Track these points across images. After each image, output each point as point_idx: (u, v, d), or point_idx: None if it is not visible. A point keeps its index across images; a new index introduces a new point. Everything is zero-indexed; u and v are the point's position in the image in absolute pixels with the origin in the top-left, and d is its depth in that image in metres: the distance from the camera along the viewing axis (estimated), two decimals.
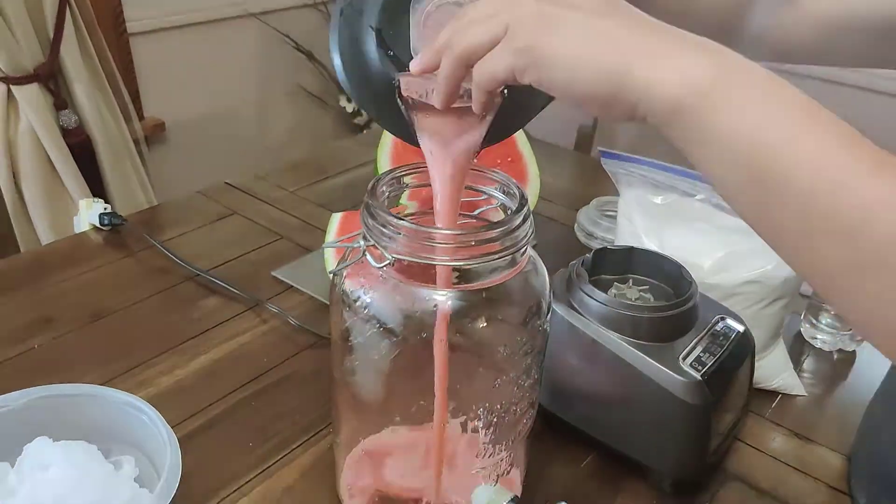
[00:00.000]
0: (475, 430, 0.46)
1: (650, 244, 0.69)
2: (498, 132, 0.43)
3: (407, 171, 0.47)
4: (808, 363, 0.76)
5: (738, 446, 0.64)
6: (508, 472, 0.51)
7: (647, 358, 0.57)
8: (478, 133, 0.41)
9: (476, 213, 0.49)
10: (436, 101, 0.39)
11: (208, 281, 0.81)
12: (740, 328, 0.61)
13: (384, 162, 0.83)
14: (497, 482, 0.50)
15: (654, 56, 0.34)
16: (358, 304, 0.44)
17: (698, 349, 0.58)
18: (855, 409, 0.65)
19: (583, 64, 0.34)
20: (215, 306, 0.78)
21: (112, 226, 0.89)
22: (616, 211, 0.87)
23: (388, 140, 0.84)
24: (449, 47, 0.38)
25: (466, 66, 0.38)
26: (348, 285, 0.45)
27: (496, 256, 0.41)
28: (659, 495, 0.59)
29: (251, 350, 0.72)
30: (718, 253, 0.67)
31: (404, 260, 0.41)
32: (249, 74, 1.94)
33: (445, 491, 0.49)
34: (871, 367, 0.75)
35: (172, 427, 0.61)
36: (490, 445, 0.48)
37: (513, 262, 0.43)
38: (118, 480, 0.49)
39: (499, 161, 0.85)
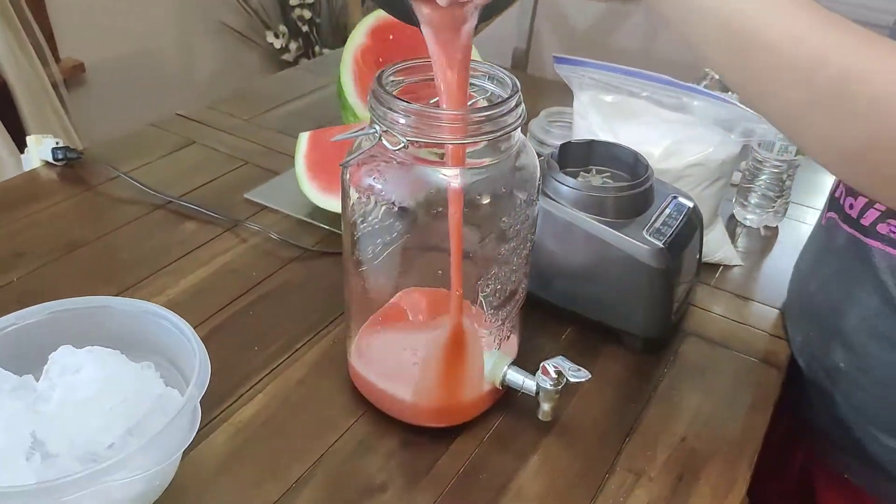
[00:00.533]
0: (482, 297, 0.52)
1: (605, 138, 0.75)
2: (490, 10, 0.47)
3: (407, 66, 0.50)
4: (741, 239, 0.85)
5: (692, 310, 0.73)
6: (508, 339, 0.57)
7: (616, 232, 0.64)
8: (474, 18, 0.45)
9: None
10: None
11: (181, 207, 0.82)
12: (690, 204, 0.69)
13: (347, 81, 0.85)
14: (499, 347, 0.56)
15: None
16: (372, 189, 0.49)
17: (657, 223, 0.66)
18: (782, 273, 0.75)
19: None
20: (193, 230, 0.79)
21: (67, 160, 0.88)
22: (563, 120, 0.94)
23: (349, 59, 0.86)
24: None
25: None
26: (361, 173, 0.49)
27: (500, 133, 0.46)
28: (632, 355, 0.67)
29: (238, 266, 0.75)
30: (665, 141, 0.74)
31: (417, 142, 0.45)
32: (170, 11, 1.88)
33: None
34: (791, 238, 0.85)
35: None
36: (494, 312, 0.53)
37: (510, 141, 0.48)
38: (148, 378, 0.53)
39: None
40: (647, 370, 0.66)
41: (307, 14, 2.09)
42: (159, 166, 0.90)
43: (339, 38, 2.17)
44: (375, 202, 0.49)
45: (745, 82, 0.41)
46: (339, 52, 1.32)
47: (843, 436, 0.64)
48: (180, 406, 0.47)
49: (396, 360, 0.56)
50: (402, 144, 0.45)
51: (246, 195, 0.85)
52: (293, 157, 0.89)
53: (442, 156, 0.47)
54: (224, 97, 1.09)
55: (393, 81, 0.49)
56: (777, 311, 0.74)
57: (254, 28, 2.08)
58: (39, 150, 0.88)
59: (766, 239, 0.86)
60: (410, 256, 0.51)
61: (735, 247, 0.83)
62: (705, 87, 0.86)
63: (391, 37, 0.90)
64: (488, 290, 0.51)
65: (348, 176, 0.51)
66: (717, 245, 0.79)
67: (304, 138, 0.83)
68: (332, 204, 0.79)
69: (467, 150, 0.47)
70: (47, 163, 0.88)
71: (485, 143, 0.46)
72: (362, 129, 0.47)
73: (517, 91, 0.47)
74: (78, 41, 1.65)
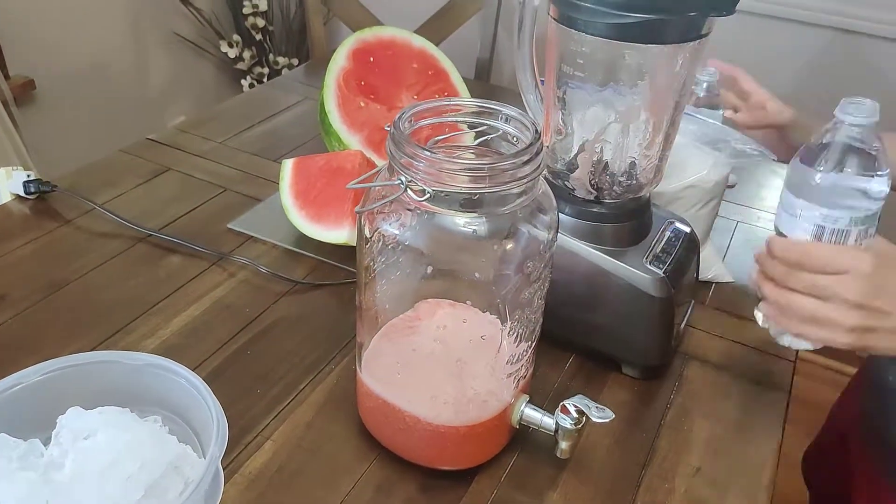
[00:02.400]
0: (505, 343, 0.51)
1: None
2: None
3: (420, 110, 0.49)
4: (727, 254, 0.87)
5: (690, 331, 0.74)
6: (525, 377, 0.57)
7: (616, 261, 0.64)
8: None
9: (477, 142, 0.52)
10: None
11: (162, 240, 0.79)
12: (686, 229, 0.70)
13: (331, 107, 0.83)
14: (517, 386, 0.55)
15: None
16: (391, 235, 0.48)
17: (657, 249, 0.66)
18: None
19: None
20: (178, 265, 0.77)
21: (40, 193, 0.84)
22: None
23: (331, 84, 0.84)
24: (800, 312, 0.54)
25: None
26: (378, 218, 0.48)
27: (526, 181, 0.45)
28: (636, 382, 0.67)
29: (230, 302, 0.72)
30: None
31: (443, 192, 0.44)
32: (122, 23, 1.81)
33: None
34: None
35: None
36: (518, 351, 0.53)
37: (533, 186, 0.48)
38: (162, 438, 0.50)
39: (437, 95, 0.88)
40: (654, 397, 0.66)
41: (260, 22, 2.05)
42: (135, 196, 0.87)
43: (293, 45, 2.13)
44: (393, 248, 0.48)
45: None
46: (301, 69, 1.29)
47: None
48: (202, 471, 0.45)
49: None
50: (428, 195, 0.44)
51: (229, 225, 0.83)
52: (274, 183, 0.88)
53: (463, 203, 0.46)
54: (194, 120, 1.05)
55: (409, 126, 0.48)
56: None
57: (207, 38, 2.03)
58: (9, 183, 0.83)
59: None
60: (431, 296, 0.50)
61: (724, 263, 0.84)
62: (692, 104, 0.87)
63: (372, 59, 0.88)
64: (512, 336, 0.51)
65: (364, 220, 0.50)
66: (709, 263, 0.80)
67: (287, 166, 0.81)
68: (323, 234, 0.77)
69: None
70: (17, 196, 0.84)
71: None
72: (386, 179, 0.46)
73: (539, 136, 0.47)
74: (26, 57, 1.57)
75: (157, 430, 0.50)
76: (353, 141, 0.83)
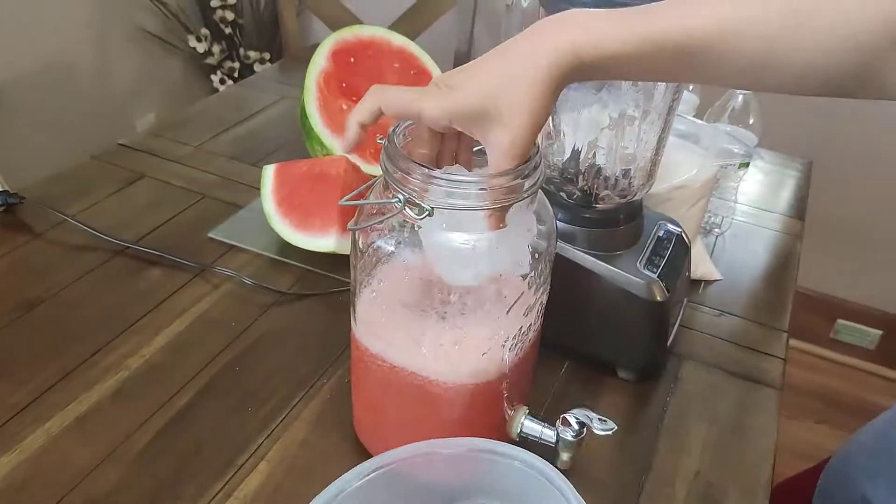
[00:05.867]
0: (506, 356, 0.50)
1: None
2: None
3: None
4: (715, 253, 0.87)
5: (682, 331, 0.73)
6: (524, 388, 0.56)
7: (609, 266, 0.63)
8: None
9: None
10: None
11: (141, 252, 0.76)
12: (677, 230, 0.69)
13: (312, 110, 0.81)
14: (518, 398, 0.55)
15: None
16: (386, 251, 0.46)
17: (649, 252, 0.66)
18: (756, 283, 0.77)
19: None
20: (159, 278, 0.74)
21: (7, 205, 0.81)
22: None
23: (311, 86, 0.82)
24: None
25: None
26: (373, 234, 0.46)
27: (525, 195, 0.44)
28: (632, 385, 0.67)
29: (214, 317, 0.70)
30: None
31: (444, 209, 0.43)
32: (86, 20, 1.75)
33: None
34: (759, 245, 0.87)
35: (160, 407, 0.60)
36: (517, 364, 0.52)
37: (532, 200, 0.47)
38: None
39: (411, 73, 0.87)
40: (650, 399, 0.66)
41: (229, 15, 2.00)
42: (109, 206, 0.84)
43: (265, 39, 2.09)
44: (388, 261, 0.47)
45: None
46: (276, 68, 1.26)
47: None
48: None
49: (411, 420, 0.54)
50: (427, 212, 0.43)
51: (210, 234, 0.80)
52: (254, 188, 0.85)
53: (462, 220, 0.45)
54: (168, 122, 1.02)
55: (403, 139, 0.47)
56: (758, 324, 0.75)
57: (174, 32, 1.98)
58: None
59: (745, 251, 0.88)
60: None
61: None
62: None
63: (352, 59, 0.86)
64: (514, 349, 0.50)
65: (357, 234, 0.48)
66: (698, 261, 0.79)
67: (269, 172, 0.79)
68: (308, 242, 0.76)
69: None
70: None
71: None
72: (380, 193, 0.45)
73: (537, 149, 0.46)
74: None
75: None
76: (336, 145, 0.81)
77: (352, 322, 0.53)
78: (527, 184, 0.44)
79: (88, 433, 0.57)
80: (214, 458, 0.56)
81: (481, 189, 0.43)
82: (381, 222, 0.45)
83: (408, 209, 0.43)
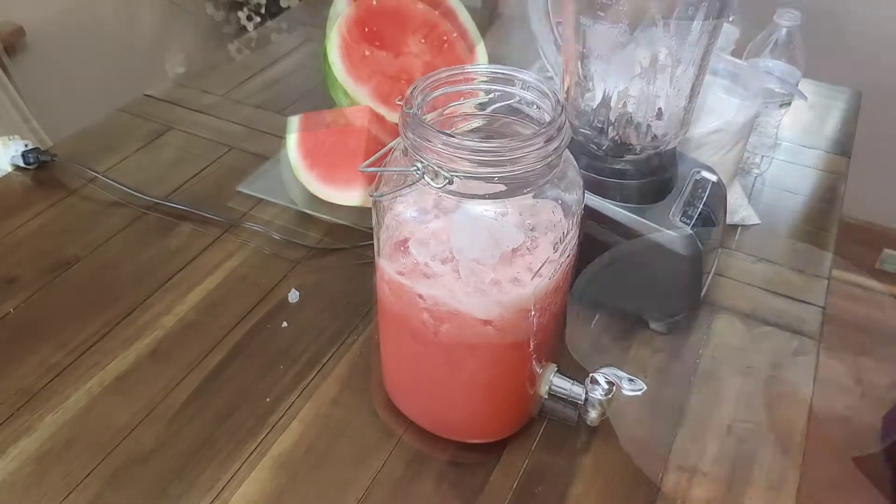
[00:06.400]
0: (534, 319, 0.49)
1: None
2: None
3: (431, 82, 0.46)
4: (753, 196, 0.84)
5: (717, 280, 0.72)
6: (553, 346, 0.55)
7: (642, 219, 0.62)
8: None
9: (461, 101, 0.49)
10: None
11: (171, 209, 0.77)
12: (713, 178, 0.67)
13: (334, 57, 0.79)
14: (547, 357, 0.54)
15: None
16: (410, 220, 0.45)
17: (683, 202, 0.63)
18: (801, 224, 0.74)
19: None
20: (189, 235, 0.75)
21: (39, 163, 0.81)
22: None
23: (333, 33, 0.79)
24: None
25: None
26: (395, 202, 0.46)
27: (551, 158, 0.42)
28: (664, 338, 0.66)
29: (245, 273, 0.71)
30: None
31: (462, 177, 0.42)
32: None
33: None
34: (800, 185, 0.84)
35: (196, 366, 0.61)
36: (544, 323, 0.51)
37: (557, 161, 0.45)
38: None
39: (445, 38, 0.84)
40: (682, 352, 0.65)
41: None
42: (138, 161, 0.84)
43: None
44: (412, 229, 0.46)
45: None
46: (299, 8, 1.23)
47: None
48: None
49: (441, 378, 0.54)
50: (447, 181, 0.41)
51: (239, 188, 0.80)
52: (280, 138, 0.84)
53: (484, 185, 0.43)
54: (193, 71, 1.01)
55: (422, 102, 0.45)
56: (797, 271, 0.73)
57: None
58: (7, 153, 0.81)
59: (784, 193, 0.84)
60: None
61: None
62: None
63: (375, 2, 0.83)
64: (542, 315, 0.49)
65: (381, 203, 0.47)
66: (735, 206, 0.77)
67: (293, 123, 0.78)
68: (335, 195, 0.75)
69: None
70: (17, 167, 0.81)
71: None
72: (399, 159, 0.43)
73: (561, 109, 0.43)
74: (11, 1, 1.50)
75: None
76: (360, 94, 0.79)
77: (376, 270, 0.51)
78: (551, 147, 0.43)
79: (127, 393, 0.59)
80: (248, 417, 0.58)
81: (503, 156, 0.41)
82: (399, 191, 0.44)
83: (427, 178, 0.42)
